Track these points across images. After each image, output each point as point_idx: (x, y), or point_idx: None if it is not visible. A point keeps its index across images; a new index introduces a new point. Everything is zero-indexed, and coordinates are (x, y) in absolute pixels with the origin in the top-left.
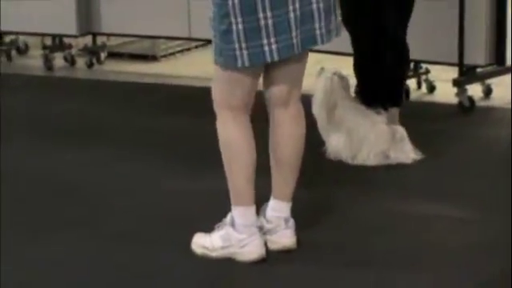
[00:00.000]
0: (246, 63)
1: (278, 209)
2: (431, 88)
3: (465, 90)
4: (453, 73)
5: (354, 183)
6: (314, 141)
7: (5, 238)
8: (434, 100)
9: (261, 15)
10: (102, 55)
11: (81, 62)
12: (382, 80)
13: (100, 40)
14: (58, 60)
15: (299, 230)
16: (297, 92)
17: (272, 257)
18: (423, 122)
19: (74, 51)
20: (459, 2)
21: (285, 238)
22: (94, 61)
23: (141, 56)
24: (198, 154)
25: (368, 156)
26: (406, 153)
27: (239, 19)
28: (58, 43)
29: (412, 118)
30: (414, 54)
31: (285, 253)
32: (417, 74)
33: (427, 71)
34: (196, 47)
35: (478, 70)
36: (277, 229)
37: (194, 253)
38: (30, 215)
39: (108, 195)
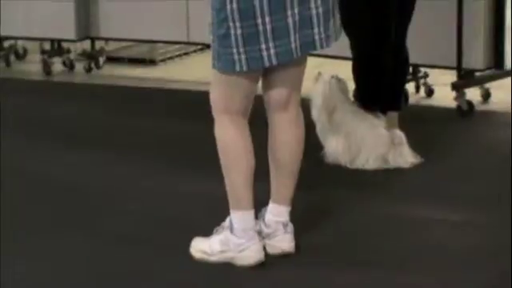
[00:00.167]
0: (245, 68)
1: (277, 213)
2: (430, 92)
3: (463, 94)
4: (451, 76)
5: (352, 187)
6: (312, 145)
7: (5, 240)
8: (433, 104)
9: (259, 20)
10: (101, 60)
11: (79, 66)
12: (381, 84)
13: (98, 44)
14: (57, 65)
15: (298, 233)
16: (296, 96)
17: (271, 261)
18: (422, 126)
19: (72, 56)
20: (457, 5)
21: (284, 242)
22: (93, 65)
23: (139, 60)
24: (197, 158)
25: (367, 160)
26: (405, 157)
27: (238, 24)
28: (56, 48)
29: (410, 121)
30: (412, 58)
31: (283, 257)
32: (415, 77)
33: (426, 75)
34: (194, 51)
35: (477, 73)
36: (276, 233)
37: (193, 257)
38: (29, 217)
39: (106, 198)
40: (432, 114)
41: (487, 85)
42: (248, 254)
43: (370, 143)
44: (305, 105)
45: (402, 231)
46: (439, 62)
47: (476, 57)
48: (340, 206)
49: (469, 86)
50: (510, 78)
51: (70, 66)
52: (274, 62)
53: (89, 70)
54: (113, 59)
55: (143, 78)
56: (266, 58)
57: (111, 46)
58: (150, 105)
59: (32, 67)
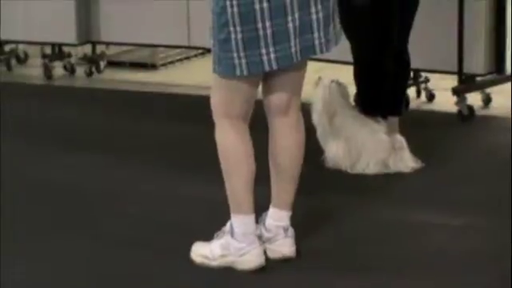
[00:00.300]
0: (245, 72)
1: (278, 217)
2: (430, 96)
3: (464, 99)
4: (452, 81)
5: (353, 192)
6: (313, 149)
7: (5, 242)
8: (434, 108)
9: (260, 24)
10: (102, 64)
11: (80, 70)
12: (381, 89)
13: (99, 49)
14: (58, 69)
15: (298, 238)
16: (296, 101)
17: (271, 266)
18: (422, 131)
19: (73, 60)
20: (458, 10)
21: (284, 247)
22: (94, 69)
23: (140, 65)
24: (197, 162)
25: (367, 165)
26: (405, 162)
27: (238, 28)
28: (57, 52)
29: (411, 126)
30: (413, 63)
31: (284, 262)
32: (416, 82)
33: (427, 80)
34: (195, 56)
35: (478, 78)
36: (276, 238)
37: (194, 261)
38: (28, 220)
39: (107, 201)
40: (433, 118)
41: (488, 90)
42: (249, 258)
43: (370, 148)
44: (305, 109)
45: (403, 236)
46: (440, 67)
47: (477, 62)
48: (340, 210)
49: (469, 90)
50: (510, 83)
51: (70, 70)
52: (275, 66)
53: (90, 74)
54: (114, 63)
55: (144, 82)
56: (266, 63)
57: (112, 51)
58: (151, 109)
59: (33, 71)
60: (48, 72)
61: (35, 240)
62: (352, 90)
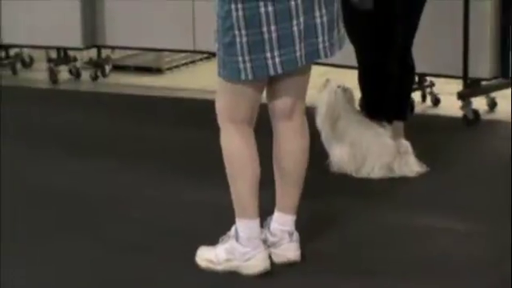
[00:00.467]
0: (250, 76)
1: (282, 222)
2: (436, 101)
3: (469, 103)
4: (457, 86)
5: (358, 196)
6: (317, 153)
7: (5, 244)
8: (439, 113)
9: (265, 28)
10: (107, 68)
11: (86, 74)
12: (386, 93)
13: (105, 53)
14: (63, 73)
15: (303, 242)
16: (300, 105)
17: (276, 270)
18: (428, 135)
19: (78, 64)
20: (464, 14)
21: (289, 251)
22: (99, 73)
23: (145, 69)
24: (203, 166)
25: (372, 169)
26: (410, 166)
27: (243, 32)
28: (62, 56)
29: (416, 130)
30: (418, 67)
31: (289, 266)
32: (421, 86)
33: (432, 84)
34: (201, 60)
35: (483, 83)
36: (281, 242)
37: (199, 266)
38: (32, 225)
39: (111, 206)
40: (438, 123)
41: (493, 94)
42: (254, 262)
43: (375, 152)
44: (310, 113)
45: (407, 240)
46: (445, 72)
47: (482, 66)
48: (345, 214)
49: (475, 95)
50: None
51: (76, 74)
52: (279, 70)
53: (95, 78)
54: (119, 67)
55: (149, 86)
56: (271, 67)
57: (117, 55)
58: (156, 113)
59: (38, 75)
60: (53, 76)
61: (38, 244)
62: (358, 94)
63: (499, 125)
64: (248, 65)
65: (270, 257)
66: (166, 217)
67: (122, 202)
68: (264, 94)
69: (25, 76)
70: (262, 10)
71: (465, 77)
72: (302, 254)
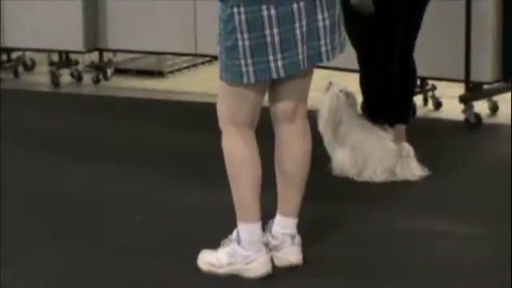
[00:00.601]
0: (252, 79)
1: (284, 225)
2: (437, 104)
3: (471, 107)
4: (459, 89)
5: (360, 200)
6: (320, 157)
7: (5, 247)
8: (441, 116)
9: (267, 32)
10: (109, 71)
11: (87, 78)
12: (388, 96)
13: (106, 56)
14: (65, 76)
15: (305, 245)
16: (302, 108)
17: (278, 273)
18: (429, 139)
19: (80, 67)
20: (466, 18)
21: (291, 254)
22: (101, 77)
23: (147, 72)
24: (204, 169)
25: (374, 172)
26: (412, 170)
27: (245, 35)
28: (64, 59)
29: (418, 134)
30: (420, 71)
31: (291, 269)
32: (423, 90)
33: (434, 88)
34: (202, 63)
35: (485, 86)
36: (283, 245)
37: (200, 269)
38: (33, 227)
39: (114, 209)
40: (440, 126)
41: (495, 98)
42: (255, 265)
43: (377, 156)
44: (312, 116)
45: (409, 243)
46: (447, 75)
47: (484, 70)
48: (347, 218)
49: (477, 98)
50: None
51: (78, 77)
52: (282, 73)
53: (97, 81)
54: (121, 71)
55: (151, 89)
56: (273, 70)
57: (119, 58)
58: (158, 116)
59: (40, 79)
60: (55, 79)
61: (39, 248)
62: (359, 97)
63: (501, 128)
64: (250, 68)
65: (271, 260)
66: (167, 220)
67: (124, 206)
68: (266, 97)
69: (27, 79)
70: (265, 13)
71: (467, 80)
72: (304, 258)
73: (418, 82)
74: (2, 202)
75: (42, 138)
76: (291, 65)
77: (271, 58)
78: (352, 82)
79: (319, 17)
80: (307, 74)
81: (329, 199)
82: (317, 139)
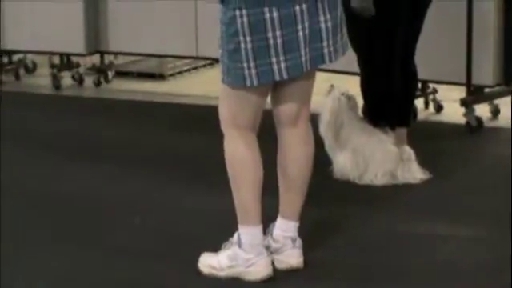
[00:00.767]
0: (255, 82)
1: (285, 228)
2: (439, 108)
3: (472, 110)
4: (460, 93)
5: (361, 203)
6: (321, 160)
7: (5, 250)
8: (442, 120)
9: (270, 34)
10: (110, 74)
11: (89, 80)
12: (389, 99)
13: (108, 59)
14: (66, 79)
15: (306, 249)
16: (305, 111)
17: (279, 276)
18: (431, 142)
19: (81, 70)
20: (467, 21)
21: (292, 257)
22: (102, 79)
23: (148, 75)
24: (205, 172)
25: (375, 176)
26: (413, 173)
27: (248, 38)
28: (65, 62)
29: (419, 137)
30: (421, 74)
31: (292, 272)
32: (424, 93)
33: (435, 91)
34: (204, 66)
35: (486, 90)
36: (284, 248)
37: (201, 272)
38: (33, 228)
39: (113, 211)
40: (441, 130)
41: (496, 101)
42: (256, 268)
43: (378, 159)
44: (314, 119)
45: (410, 247)
46: (448, 78)
47: (485, 73)
48: (348, 221)
49: (478, 102)
50: None
51: (79, 80)
52: (285, 76)
53: (98, 84)
54: (122, 73)
55: (152, 92)
56: (276, 72)
57: (120, 61)
58: (159, 119)
59: (41, 81)
60: (56, 82)
61: (39, 249)
62: (360, 100)
63: (502, 132)
64: (253, 71)
65: (272, 263)
66: (168, 223)
67: (124, 208)
68: (268, 100)
69: (28, 82)
70: (267, 15)
71: (468, 84)
72: (305, 261)
73: (419, 85)
74: (2, 202)
75: (43, 140)
76: (294, 67)
77: (274, 60)
78: (353, 85)
79: (321, 18)
80: (310, 76)
81: (330, 202)
82: (318, 142)
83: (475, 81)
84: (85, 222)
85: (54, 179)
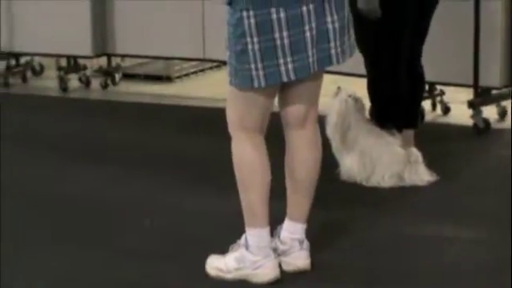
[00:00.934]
0: (263, 83)
1: (293, 230)
2: (446, 109)
3: (480, 112)
4: (468, 94)
5: (368, 205)
6: (328, 162)
7: (5, 251)
8: (449, 121)
9: (277, 35)
10: (117, 76)
11: (95, 83)
12: (396, 101)
13: (115, 61)
14: (73, 81)
15: (314, 251)
16: (313, 112)
17: (286, 278)
18: (438, 144)
19: (88, 72)
20: (474, 23)
21: (299, 259)
22: (109, 82)
23: (155, 77)
24: (213, 174)
25: (382, 178)
26: (421, 175)
27: (255, 39)
28: (72, 64)
29: (426, 139)
30: (428, 76)
31: (299, 274)
32: (432, 95)
33: (442, 93)
34: (210, 68)
35: (493, 91)
36: (291, 250)
37: (208, 274)
38: (34, 228)
39: (120, 214)
40: (448, 131)
41: (504, 103)
42: (263, 271)
43: (385, 161)
44: (321, 121)
45: (417, 249)
46: (456, 80)
47: (493, 75)
48: (355, 223)
49: (485, 103)
50: None
51: (86, 82)
52: (292, 77)
53: (105, 86)
54: (129, 76)
55: (159, 94)
56: (284, 73)
57: (127, 63)
58: (166, 121)
59: (48, 83)
60: (63, 84)
61: (39, 250)
62: (367, 102)
63: (510, 133)
64: (261, 72)
65: (279, 265)
66: (175, 225)
67: (130, 210)
68: (276, 102)
69: (35, 84)
70: (274, 16)
71: (475, 85)
72: (312, 263)
73: (427, 87)
74: (4, 202)
75: (50, 141)
76: (301, 68)
77: (281, 61)
78: (360, 87)
79: (328, 19)
80: (317, 77)
81: (337, 204)
82: (325, 144)
83: (482, 82)
84: (86, 223)
85: (59, 180)
